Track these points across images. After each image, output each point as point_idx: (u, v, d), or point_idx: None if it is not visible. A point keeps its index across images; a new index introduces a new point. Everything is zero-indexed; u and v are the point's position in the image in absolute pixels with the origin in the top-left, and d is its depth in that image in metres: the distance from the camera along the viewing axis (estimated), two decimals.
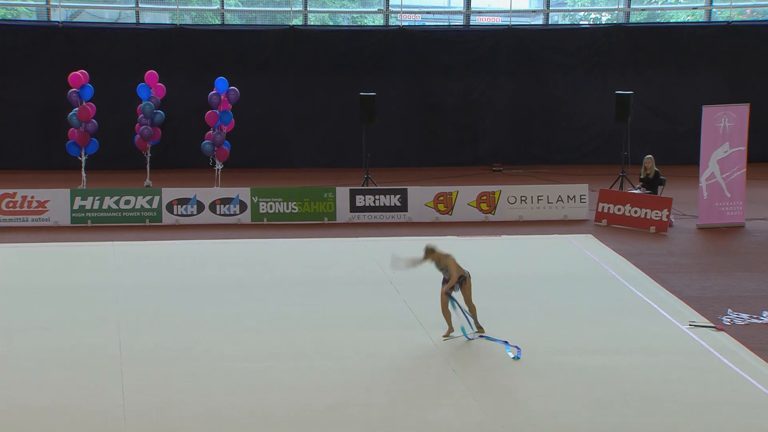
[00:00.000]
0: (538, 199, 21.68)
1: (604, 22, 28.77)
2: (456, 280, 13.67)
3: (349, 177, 23.63)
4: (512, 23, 27.74)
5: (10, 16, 27.70)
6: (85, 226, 20.53)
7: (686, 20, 29.53)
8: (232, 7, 28.00)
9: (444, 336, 13.74)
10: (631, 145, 23.10)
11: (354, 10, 29.24)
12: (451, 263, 13.72)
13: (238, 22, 28.10)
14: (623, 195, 21.44)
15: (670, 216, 20.64)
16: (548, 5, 28.39)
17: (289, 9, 27.14)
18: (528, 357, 13.16)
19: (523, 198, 21.66)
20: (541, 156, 27.22)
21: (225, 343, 13.54)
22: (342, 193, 21.32)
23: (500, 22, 28.74)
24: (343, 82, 26.24)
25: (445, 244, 19.37)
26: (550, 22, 28.68)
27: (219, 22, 27.50)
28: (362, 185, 22.53)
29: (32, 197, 20.56)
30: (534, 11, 29.30)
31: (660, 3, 30.69)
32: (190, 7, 27.93)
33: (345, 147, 25.81)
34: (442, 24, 29.43)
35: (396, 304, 15.39)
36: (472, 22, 28.58)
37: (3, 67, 25.60)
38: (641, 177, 21.48)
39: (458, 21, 28.76)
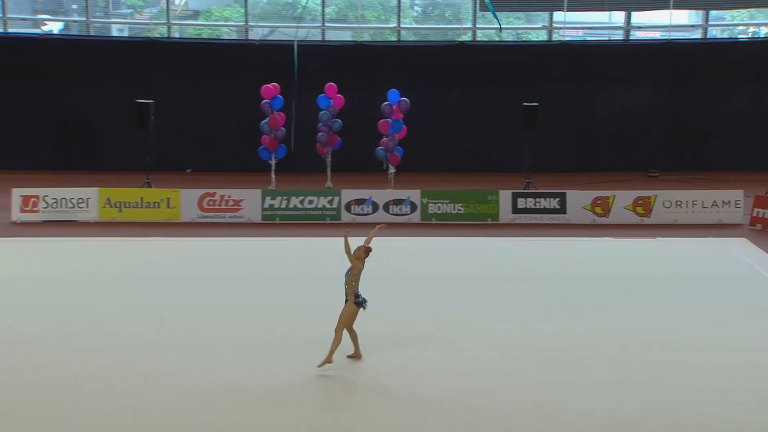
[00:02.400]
0: (693, 204, 20.86)
1: (762, 35, 27.42)
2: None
3: (511, 181, 23.35)
4: (671, 38, 26.80)
5: (214, 36, 28.76)
6: (273, 223, 21.03)
7: None
8: (407, 25, 28.16)
9: (320, 365, 11.74)
10: None
11: (520, 26, 28.90)
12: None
13: (413, 39, 28.25)
14: None
15: None
16: (707, 20, 27.30)
17: (460, 26, 27.09)
18: (671, 354, 12.63)
19: (678, 203, 20.88)
20: (696, 163, 26.24)
21: (378, 333, 13.33)
22: (505, 196, 21.10)
23: (659, 37, 27.83)
24: (508, 92, 25.98)
25: (601, 245, 19.07)
26: (708, 36, 27.57)
27: (395, 39, 27.72)
28: (524, 189, 22.23)
29: (229, 196, 21.15)
30: (693, 26, 28.21)
31: None
32: (369, 25, 28.26)
33: (508, 153, 25.55)
34: (602, 38, 28.76)
35: (547, 300, 15.06)
36: (631, 37, 27.80)
37: (208, 81, 26.58)
38: None
39: (618, 35, 28.03)
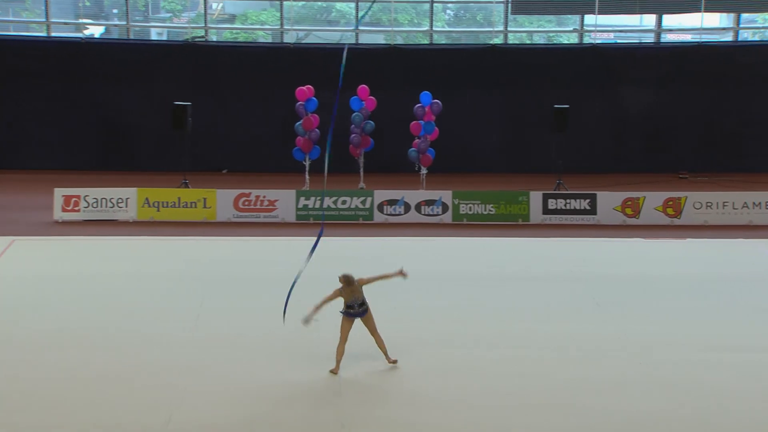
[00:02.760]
0: (724, 205, 20.67)
1: None
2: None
3: (542, 182, 23.25)
4: (702, 40, 26.56)
5: (250, 39, 28.91)
6: (307, 222, 21.09)
7: None
8: (440, 28, 28.14)
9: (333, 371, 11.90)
10: None
11: (550, 29, 28.77)
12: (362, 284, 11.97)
13: (445, 42, 28.22)
14: None
15: None
16: (738, 23, 27.02)
17: (491, 29, 27.03)
18: (693, 354, 12.52)
19: (709, 204, 20.70)
20: (726, 164, 25.98)
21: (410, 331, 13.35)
22: (535, 197, 21.03)
23: (690, 39, 27.58)
24: (539, 95, 25.87)
25: (631, 246, 18.94)
26: (739, 39, 27.27)
27: (427, 42, 27.71)
28: (554, 190, 22.13)
29: (264, 197, 21.25)
30: (724, 29, 27.92)
31: None
32: (402, 28, 28.28)
33: (539, 154, 25.43)
34: (633, 41, 28.54)
35: (576, 300, 14.99)
36: (662, 40, 27.57)
37: (244, 83, 26.71)
38: None
39: (649, 38, 27.82)
